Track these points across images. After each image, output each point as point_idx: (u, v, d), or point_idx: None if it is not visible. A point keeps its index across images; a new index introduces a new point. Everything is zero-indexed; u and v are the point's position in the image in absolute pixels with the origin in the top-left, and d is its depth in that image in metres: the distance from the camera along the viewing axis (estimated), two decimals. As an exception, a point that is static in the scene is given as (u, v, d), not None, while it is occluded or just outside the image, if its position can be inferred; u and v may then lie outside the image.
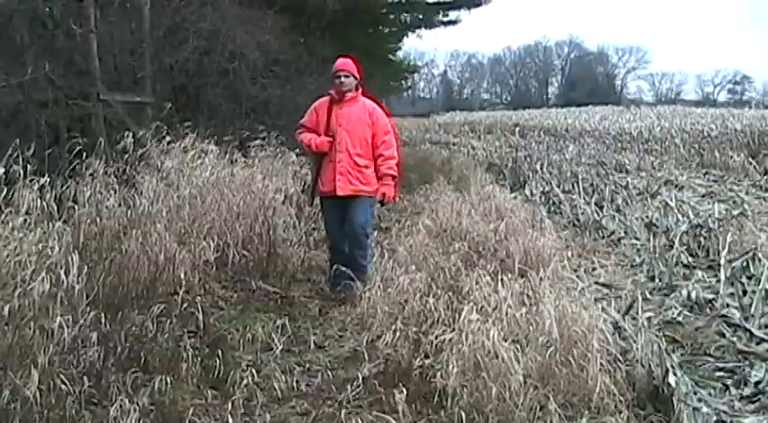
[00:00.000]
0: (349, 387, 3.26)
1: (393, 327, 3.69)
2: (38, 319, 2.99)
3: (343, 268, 4.67)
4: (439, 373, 3.15)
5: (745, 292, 4.82)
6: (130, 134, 5.33)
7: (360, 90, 5.16)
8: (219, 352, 3.49)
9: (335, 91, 5.08)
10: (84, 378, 2.95)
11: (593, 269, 5.84)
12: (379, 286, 4.26)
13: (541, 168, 12.94)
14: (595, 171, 12.67)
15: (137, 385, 3.11)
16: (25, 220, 3.55)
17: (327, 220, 5.26)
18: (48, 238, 3.46)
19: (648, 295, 4.98)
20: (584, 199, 9.20)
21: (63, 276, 3.22)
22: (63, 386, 2.82)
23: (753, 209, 8.37)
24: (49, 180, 4.00)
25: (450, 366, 3.09)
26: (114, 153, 5.13)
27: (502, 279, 4.11)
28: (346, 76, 5.07)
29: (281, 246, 5.51)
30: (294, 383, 3.47)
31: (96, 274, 3.85)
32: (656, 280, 5.44)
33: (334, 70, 5.10)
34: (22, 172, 3.84)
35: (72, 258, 3.33)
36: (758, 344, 3.97)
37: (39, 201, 3.76)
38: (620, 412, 2.98)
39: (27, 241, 3.34)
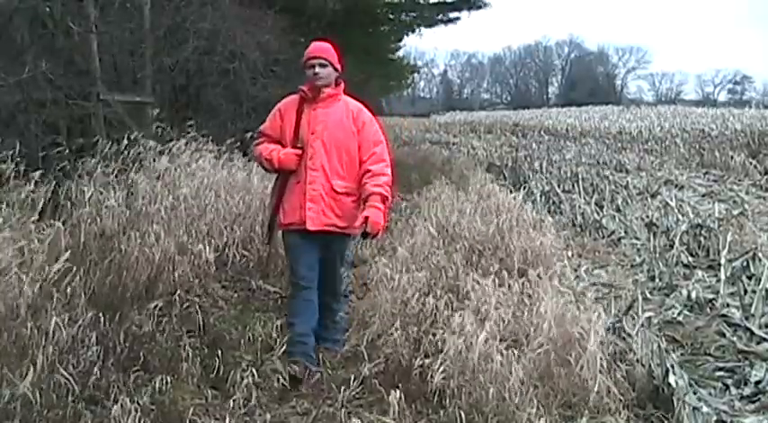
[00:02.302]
0: (349, 387, 3.26)
1: (393, 326, 3.70)
2: (36, 318, 2.98)
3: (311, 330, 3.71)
4: (439, 373, 3.15)
5: (745, 292, 4.81)
6: (130, 134, 5.33)
7: (341, 85, 3.81)
8: (219, 352, 3.50)
9: (308, 86, 3.73)
10: (84, 378, 2.95)
11: (594, 269, 5.84)
12: (379, 286, 4.26)
13: (541, 168, 12.94)
14: (595, 171, 12.67)
15: (137, 385, 3.11)
16: (20, 219, 3.55)
17: (294, 261, 3.80)
18: (46, 238, 3.46)
19: (648, 295, 4.97)
20: (584, 199, 9.20)
21: (60, 276, 3.22)
22: (63, 386, 2.82)
23: (753, 209, 8.37)
24: (47, 179, 4.00)
25: (450, 366, 3.09)
26: (113, 153, 5.13)
27: (502, 279, 4.12)
28: (323, 66, 3.71)
29: (281, 246, 5.49)
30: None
31: (96, 274, 3.85)
32: (657, 280, 5.44)
33: (307, 57, 3.75)
34: (20, 171, 3.85)
35: (70, 258, 3.33)
36: (758, 343, 3.97)
37: (37, 200, 3.76)
38: (620, 412, 2.99)
39: (25, 240, 3.34)
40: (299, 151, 3.66)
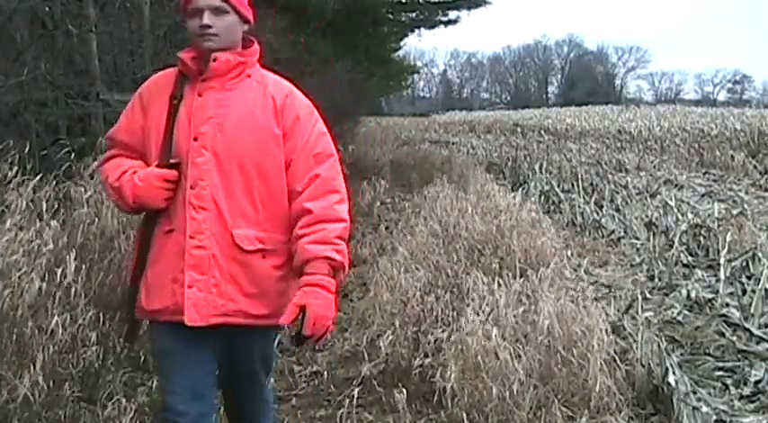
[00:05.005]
0: (349, 387, 3.26)
1: (393, 326, 3.70)
2: (36, 318, 2.99)
3: None
4: (439, 373, 3.15)
5: (744, 292, 4.82)
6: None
7: (255, 50, 2.08)
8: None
9: (191, 53, 2.05)
10: (83, 377, 2.95)
11: (593, 268, 5.84)
12: (379, 286, 4.26)
13: (541, 168, 12.94)
14: (595, 170, 12.67)
15: (135, 384, 3.11)
16: (21, 219, 3.55)
17: (167, 381, 2.07)
18: (45, 238, 3.46)
19: (648, 295, 4.97)
20: (583, 198, 9.21)
21: (61, 276, 3.23)
22: (62, 385, 2.82)
23: (752, 208, 8.37)
24: (47, 179, 4.00)
25: (451, 366, 3.10)
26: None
27: (502, 278, 4.12)
28: (219, 11, 1.97)
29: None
30: (294, 383, 3.47)
31: (95, 274, 3.85)
32: (656, 279, 5.44)
33: None
34: (19, 171, 3.85)
35: (70, 257, 3.33)
36: (758, 343, 3.98)
37: (36, 200, 3.76)
38: (620, 411, 2.99)
39: (24, 241, 3.34)
40: (172, 173, 1.95)
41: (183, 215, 1.94)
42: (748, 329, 4.15)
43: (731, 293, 4.83)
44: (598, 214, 8.12)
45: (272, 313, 1.98)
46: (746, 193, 10.03)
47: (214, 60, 1.97)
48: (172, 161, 1.95)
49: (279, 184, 1.99)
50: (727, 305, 4.62)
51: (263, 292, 1.98)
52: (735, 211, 7.84)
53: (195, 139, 1.95)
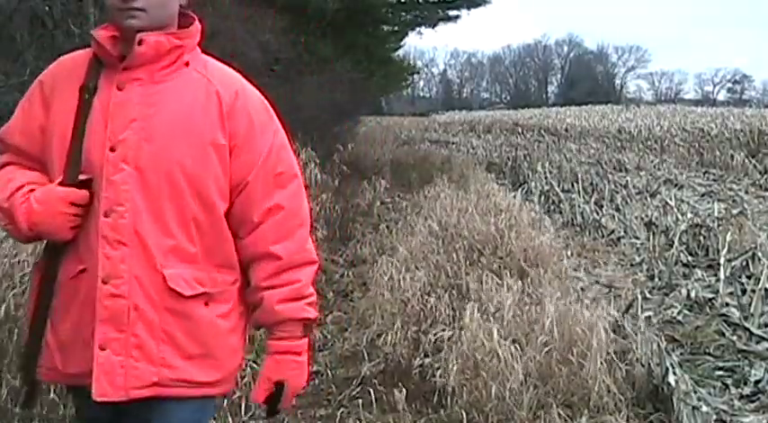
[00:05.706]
0: (349, 387, 3.26)
1: (393, 326, 3.71)
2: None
3: None
4: (439, 373, 3.16)
5: (744, 292, 4.83)
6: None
7: (196, 28, 1.54)
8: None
9: (111, 32, 1.48)
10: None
11: (593, 268, 5.85)
12: (379, 285, 4.27)
13: (542, 167, 12.95)
14: (595, 170, 12.68)
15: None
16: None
17: None
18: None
19: (648, 294, 4.98)
20: (583, 198, 9.21)
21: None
22: (62, 386, 2.82)
23: (752, 208, 8.38)
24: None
25: (451, 365, 3.10)
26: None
27: (502, 278, 4.13)
28: None
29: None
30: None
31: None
32: (656, 279, 5.44)
33: None
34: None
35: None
36: (758, 343, 3.98)
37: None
38: (620, 411, 2.99)
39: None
40: (81, 194, 1.44)
41: (96, 251, 1.42)
42: (748, 329, 4.15)
43: (731, 293, 4.83)
44: (598, 214, 8.12)
45: (223, 379, 1.53)
46: (746, 192, 10.04)
47: (140, 43, 1.43)
48: (81, 178, 1.44)
49: (222, 209, 1.49)
50: (727, 305, 4.62)
51: (211, 351, 1.49)
52: (735, 211, 7.85)
53: (112, 150, 1.43)
